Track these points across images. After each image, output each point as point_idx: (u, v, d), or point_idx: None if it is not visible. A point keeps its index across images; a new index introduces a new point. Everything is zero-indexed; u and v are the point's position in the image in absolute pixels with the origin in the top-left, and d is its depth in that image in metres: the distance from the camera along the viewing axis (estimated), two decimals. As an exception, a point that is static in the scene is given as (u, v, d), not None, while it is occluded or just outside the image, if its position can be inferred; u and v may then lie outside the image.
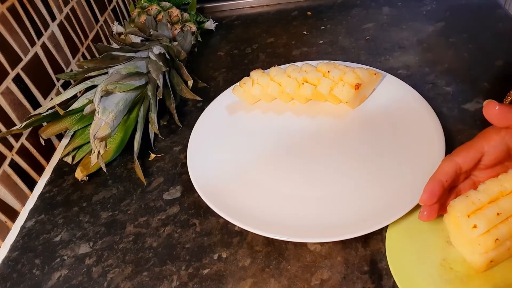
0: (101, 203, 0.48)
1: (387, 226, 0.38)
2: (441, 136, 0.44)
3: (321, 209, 0.41)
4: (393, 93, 0.52)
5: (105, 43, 0.76)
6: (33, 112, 0.49)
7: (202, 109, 0.56)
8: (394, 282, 0.34)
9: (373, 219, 0.38)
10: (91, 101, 0.48)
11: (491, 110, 0.32)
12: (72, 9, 0.66)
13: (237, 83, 0.55)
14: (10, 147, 0.49)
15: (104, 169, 0.49)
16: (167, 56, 0.60)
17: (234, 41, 0.75)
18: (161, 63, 0.56)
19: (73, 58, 0.65)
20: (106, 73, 0.52)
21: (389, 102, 0.52)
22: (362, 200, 0.41)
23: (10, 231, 0.48)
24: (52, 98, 0.57)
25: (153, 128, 0.53)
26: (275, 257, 0.39)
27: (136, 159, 0.49)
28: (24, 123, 0.47)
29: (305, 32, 0.73)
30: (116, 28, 0.77)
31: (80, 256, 0.43)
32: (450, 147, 0.44)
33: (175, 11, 0.72)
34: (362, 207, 0.40)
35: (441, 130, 0.44)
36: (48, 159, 0.56)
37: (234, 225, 0.42)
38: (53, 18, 0.61)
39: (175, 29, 0.71)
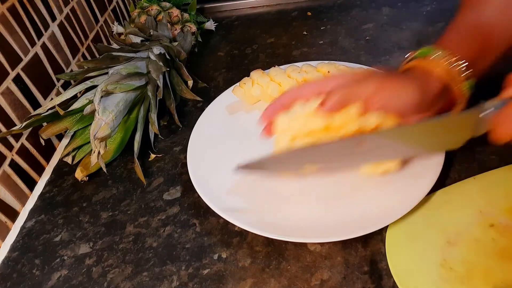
0: (101, 203, 0.48)
1: (387, 226, 0.38)
2: (441, 136, 0.44)
3: (321, 209, 0.41)
4: (393, 93, 0.52)
5: (105, 43, 0.76)
6: (33, 112, 0.49)
7: (202, 109, 0.56)
8: (394, 282, 0.34)
9: (373, 219, 0.38)
10: (91, 101, 0.48)
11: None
12: (72, 9, 0.66)
13: (237, 84, 0.55)
14: (10, 147, 0.49)
15: (104, 169, 0.49)
16: (167, 57, 0.60)
17: (234, 42, 0.75)
18: (161, 64, 0.56)
19: (73, 58, 0.65)
20: (106, 73, 0.52)
21: (389, 102, 0.51)
22: (362, 200, 0.41)
23: (10, 231, 0.48)
24: (52, 98, 0.57)
25: (153, 128, 0.53)
26: (275, 257, 0.39)
27: (136, 159, 0.49)
28: (24, 123, 0.47)
29: (305, 33, 0.73)
30: (116, 28, 0.77)
31: (80, 256, 0.43)
32: (450, 147, 0.44)
33: (175, 12, 0.72)
34: (362, 207, 0.40)
35: (441, 130, 0.44)
36: (48, 159, 0.56)
37: (234, 225, 0.42)
38: (53, 18, 0.61)
39: (175, 30, 0.71)
